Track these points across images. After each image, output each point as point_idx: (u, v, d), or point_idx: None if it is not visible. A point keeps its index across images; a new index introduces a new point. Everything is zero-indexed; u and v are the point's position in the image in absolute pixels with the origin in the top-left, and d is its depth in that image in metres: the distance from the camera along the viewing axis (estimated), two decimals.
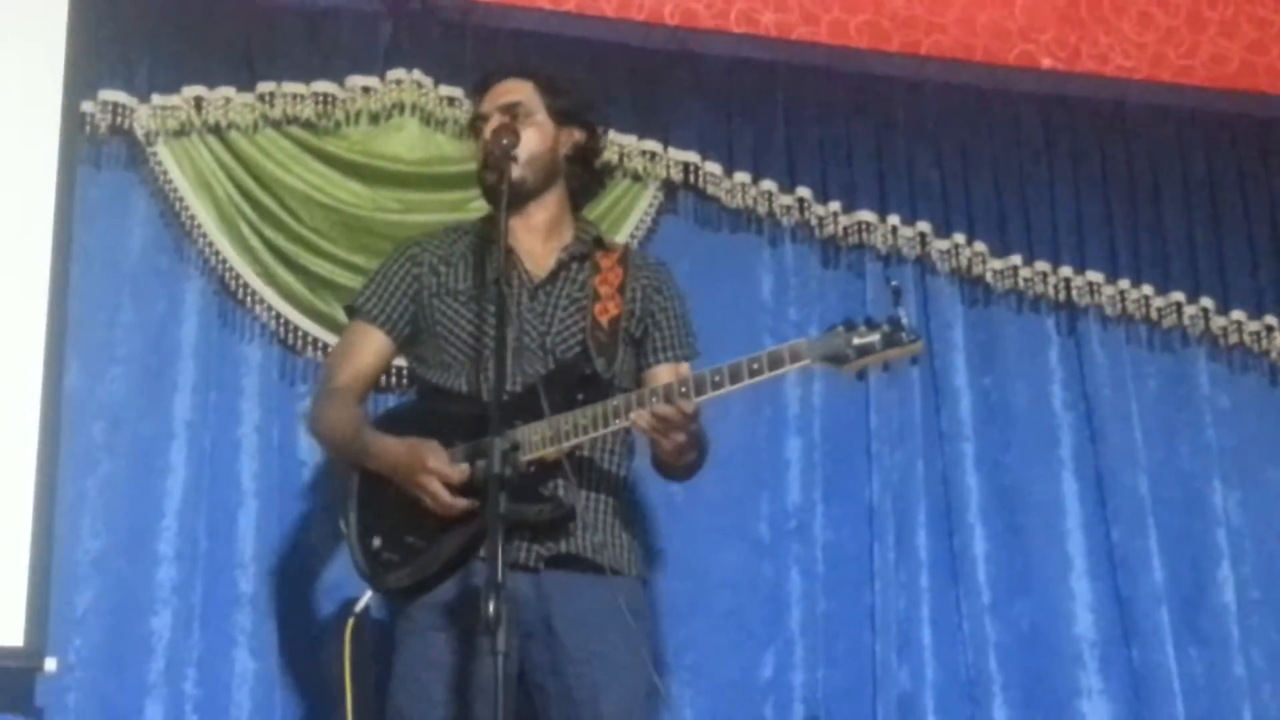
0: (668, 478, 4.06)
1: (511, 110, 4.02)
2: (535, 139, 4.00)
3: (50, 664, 4.38)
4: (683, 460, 3.80)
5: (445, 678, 3.75)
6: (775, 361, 3.59)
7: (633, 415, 3.66)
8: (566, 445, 3.74)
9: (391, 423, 4.01)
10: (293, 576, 4.69)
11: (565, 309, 3.99)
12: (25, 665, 4.39)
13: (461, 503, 3.72)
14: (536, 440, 3.74)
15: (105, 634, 4.57)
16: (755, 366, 3.59)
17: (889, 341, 3.52)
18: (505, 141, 3.87)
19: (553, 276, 4.01)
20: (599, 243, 4.14)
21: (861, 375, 3.60)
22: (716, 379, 3.62)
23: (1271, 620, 5.36)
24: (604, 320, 3.97)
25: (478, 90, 4.19)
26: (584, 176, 4.16)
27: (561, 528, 3.79)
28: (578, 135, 4.09)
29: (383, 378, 4.37)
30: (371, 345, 4.09)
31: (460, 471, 3.74)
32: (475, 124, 4.13)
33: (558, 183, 4.08)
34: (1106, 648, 5.21)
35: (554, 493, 3.78)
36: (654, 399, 3.66)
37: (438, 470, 3.74)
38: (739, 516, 5.07)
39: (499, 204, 3.80)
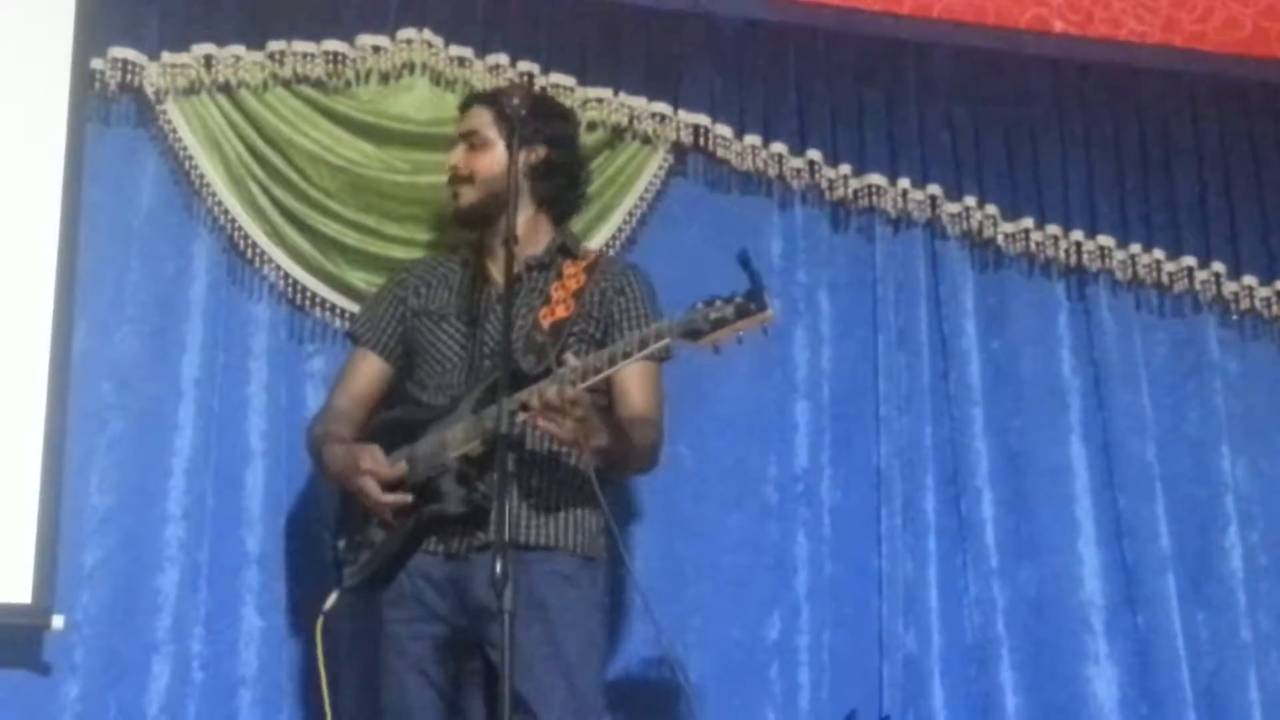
0: (611, 473, 4.17)
1: (469, 138, 4.35)
2: (489, 163, 4.29)
3: (58, 621, 4.39)
4: (592, 447, 3.87)
5: (415, 665, 4.06)
6: (643, 343, 3.74)
7: (533, 406, 3.78)
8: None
9: (372, 431, 4.25)
10: (300, 535, 4.69)
11: (522, 314, 4.17)
12: (33, 622, 4.40)
13: (390, 498, 4.02)
14: (460, 438, 3.97)
15: (113, 591, 4.57)
16: (627, 350, 3.76)
17: (740, 312, 3.62)
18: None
19: (514, 285, 4.15)
20: (566, 251, 4.33)
21: (717, 348, 3.68)
22: (597, 364, 3.79)
23: (1279, 586, 5.36)
24: (546, 322, 4.16)
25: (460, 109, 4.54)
26: (554, 191, 4.38)
27: (483, 519, 3.89)
28: (540, 152, 4.32)
29: None
30: (364, 368, 4.43)
31: (396, 469, 4.04)
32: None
33: (522, 198, 4.27)
34: (1113, 613, 5.21)
35: (473, 487, 3.95)
36: (547, 389, 3.77)
37: (370, 470, 4.03)
38: (746, 480, 5.07)
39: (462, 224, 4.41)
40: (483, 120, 4.36)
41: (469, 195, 4.33)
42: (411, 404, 4.27)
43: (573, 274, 4.26)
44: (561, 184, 4.41)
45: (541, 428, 3.83)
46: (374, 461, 4.04)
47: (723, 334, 3.63)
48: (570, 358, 3.83)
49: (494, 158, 4.27)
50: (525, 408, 3.80)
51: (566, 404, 3.73)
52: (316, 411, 4.50)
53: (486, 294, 4.27)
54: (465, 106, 4.51)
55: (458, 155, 4.38)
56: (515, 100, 4.04)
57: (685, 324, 3.65)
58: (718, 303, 3.63)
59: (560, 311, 4.16)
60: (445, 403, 4.15)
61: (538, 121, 4.29)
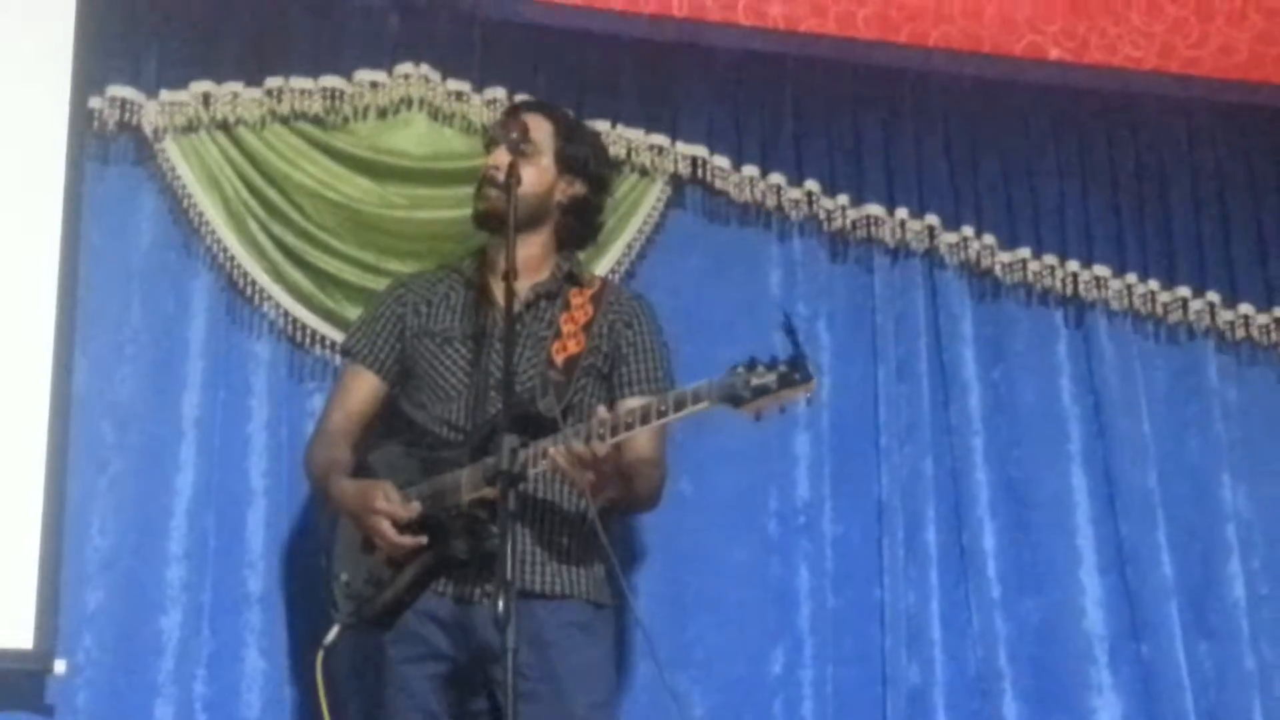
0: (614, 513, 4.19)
1: (521, 142, 4.07)
2: (532, 179, 4.15)
3: (60, 666, 4.37)
4: (602, 497, 3.88)
5: (420, 705, 4.02)
6: (679, 403, 3.71)
7: (550, 453, 3.76)
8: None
9: (373, 461, 4.20)
10: (302, 575, 4.65)
11: (531, 346, 4.11)
12: (36, 668, 4.38)
13: (406, 541, 3.94)
14: (476, 480, 3.90)
15: (115, 633, 4.56)
16: (662, 409, 3.72)
17: (784, 382, 3.59)
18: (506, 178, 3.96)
19: (521, 314, 4.12)
20: (573, 279, 4.27)
21: (759, 416, 3.66)
22: (629, 420, 3.75)
23: None
24: (560, 358, 4.10)
25: (505, 112, 4.42)
26: (575, 228, 4.33)
27: (494, 565, 3.78)
28: (578, 187, 4.25)
29: None
30: (361, 386, 4.34)
31: (410, 510, 3.94)
32: (488, 142, 4.31)
33: (546, 225, 4.26)
34: (1116, 642, 5.20)
35: (484, 532, 3.89)
36: (573, 438, 3.75)
37: (386, 510, 3.93)
38: (748, 512, 5.06)
39: (481, 226, 4.21)
40: (543, 131, 4.25)
41: (500, 203, 3.98)
42: (413, 430, 4.21)
43: (580, 304, 4.21)
44: (586, 223, 4.37)
45: (563, 474, 3.80)
46: (388, 501, 3.94)
47: (765, 403, 3.60)
48: (602, 410, 3.79)
49: (540, 170, 4.21)
50: (536, 456, 3.77)
51: (594, 459, 3.71)
52: (313, 432, 4.46)
53: (492, 319, 4.18)
54: (519, 108, 4.39)
55: (501, 157, 4.08)
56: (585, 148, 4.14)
57: (726, 389, 3.62)
58: (760, 368, 3.59)
59: (572, 347, 4.12)
60: (447, 432, 4.10)
61: (584, 155, 4.27)
